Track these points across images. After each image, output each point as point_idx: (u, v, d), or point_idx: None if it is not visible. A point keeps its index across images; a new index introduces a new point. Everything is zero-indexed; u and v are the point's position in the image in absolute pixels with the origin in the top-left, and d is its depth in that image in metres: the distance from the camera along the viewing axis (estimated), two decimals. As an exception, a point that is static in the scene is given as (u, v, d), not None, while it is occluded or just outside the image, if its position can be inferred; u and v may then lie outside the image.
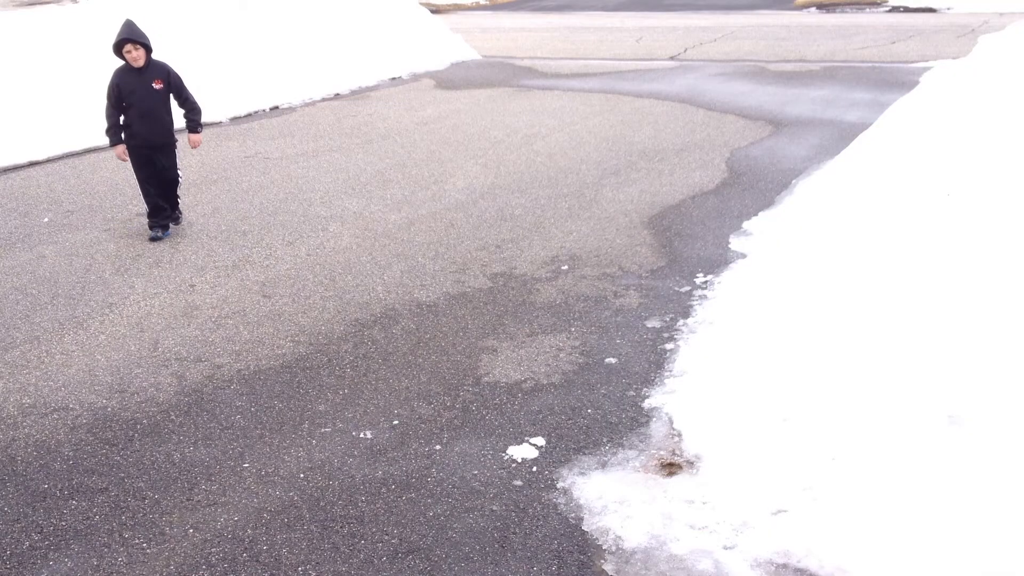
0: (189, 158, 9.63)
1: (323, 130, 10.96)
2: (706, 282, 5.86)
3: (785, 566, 3.22)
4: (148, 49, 6.72)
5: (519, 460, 3.97)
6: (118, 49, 6.64)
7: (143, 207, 8.00)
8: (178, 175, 7.22)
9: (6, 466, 4.04)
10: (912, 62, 14.87)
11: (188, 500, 3.76)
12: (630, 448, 4.03)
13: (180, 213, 7.32)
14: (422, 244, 6.74)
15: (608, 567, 3.29)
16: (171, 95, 6.96)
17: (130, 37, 6.58)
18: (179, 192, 7.29)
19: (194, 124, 7.08)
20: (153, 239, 6.93)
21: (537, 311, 5.53)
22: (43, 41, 11.69)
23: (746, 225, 6.93)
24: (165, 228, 7.07)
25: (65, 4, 14.36)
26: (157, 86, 6.81)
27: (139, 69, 6.73)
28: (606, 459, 3.95)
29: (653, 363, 4.82)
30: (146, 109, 6.81)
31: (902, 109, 10.51)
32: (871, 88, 12.62)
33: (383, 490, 3.79)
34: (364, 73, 14.44)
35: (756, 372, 4.51)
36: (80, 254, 6.72)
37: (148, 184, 7.01)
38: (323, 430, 4.26)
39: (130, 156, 6.95)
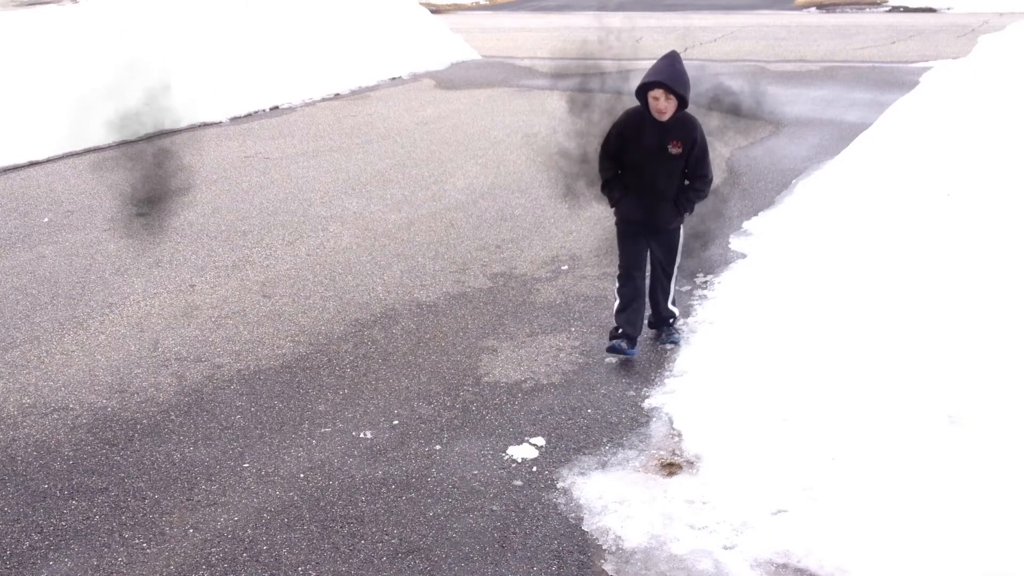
0: (189, 158, 9.64)
1: (323, 130, 10.95)
2: (706, 282, 5.86)
3: (785, 566, 3.22)
4: (683, 102, 4.58)
5: (519, 460, 3.97)
6: (642, 91, 4.60)
7: (143, 206, 8.02)
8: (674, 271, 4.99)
9: (6, 466, 4.04)
10: (912, 62, 14.87)
11: (188, 500, 3.76)
12: (630, 448, 4.03)
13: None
14: (422, 244, 6.74)
15: (608, 567, 3.29)
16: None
17: (664, 82, 4.49)
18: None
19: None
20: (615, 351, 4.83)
21: (537, 311, 5.53)
22: (43, 41, 11.68)
23: (746, 225, 6.93)
24: (633, 342, 4.85)
25: (65, 4, 14.36)
26: (673, 149, 4.62)
27: (659, 123, 4.61)
28: (606, 459, 3.95)
29: (653, 363, 4.82)
30: (652, 169, 4.67)
31: (902, 109, 10.50)
32: (871, 88, 12.62)
33: (383, 490, 3.79)
34: (364, 73, 14.43)
35: (756, 372, 4.51)
36: (80, 254, 6.72)
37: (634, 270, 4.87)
38: (323, 430, 4.26)
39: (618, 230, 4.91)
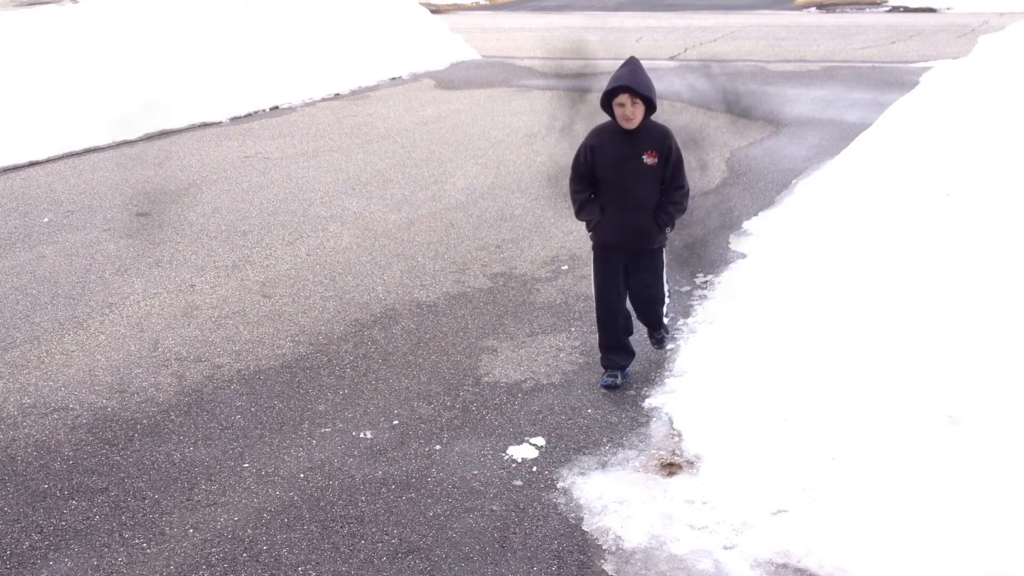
0: (189, 158, 9.65)
1: (323, 130, 10.96)
2: (706, 282, 5.86)
3: (785, 566, 3.22)
4: (650, 105, 4.31)
5: (519, 460, 3.97)
6: (607, 99, 4.33)
7: (143, 206, 8.04)
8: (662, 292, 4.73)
9: (6, 466, 4.04)
10: (912, 62, 14.86)
11: (188, 500, 3.76)
12: (630, 448, 4.03)
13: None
14: (422, 244, 6.74)
15: (608, 567, 3.29)
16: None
17: (629, 85, 4.21)
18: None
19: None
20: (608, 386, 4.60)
21: (537, 311, 5.53)
22: (43, 41, 11.68)
23: (746, 225, 6.93)
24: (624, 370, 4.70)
25: (65, 4, 14.36)
26: (648, 159, 4.36)
27: (629, 132, 4.34)
28: (606, 459, 3.96)
29: (653, 363, 4.82)
30: (627, 181, 4.40)
31: (902, 109, 10.50)
32: (871, 88, 12.62)
33: (383, 490, 3.79)
34: (364, 73, 14.44)
35: (756, 372, 4.51)
36: (80, 254, 6.72)
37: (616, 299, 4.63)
38: (323, 430, 4.26)
39: (595, 255, 4.66)
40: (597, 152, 4.41)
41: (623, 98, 4.26)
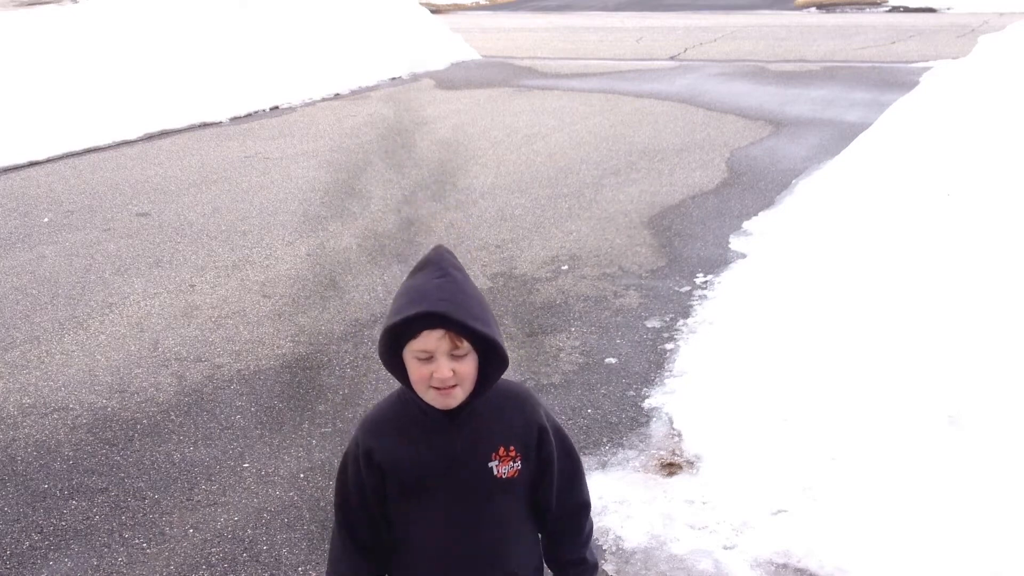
0: (189, 158, 9.65)
1: (323, 130, 10.95)
2: (706, 282, 5.86)
3: (785, 566, 3.22)
4: (487, 347, 1.86)
5: (519, 460, 3.97)
6: (395, 339, 1.87)
7: (143, 206, 8.04)
8: None
9: (6, 466, 4.04)
10: (912, 62, 14.86)
11: (188, 500, 3.76)
12: (630, 448, 4.03)
13: None
14: (422, 244, 6.73)
15: (608, 567, 3.28)
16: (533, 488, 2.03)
17: (436, 310, 1.80)
18: None
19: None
20: None
21: (537, 311, 5.53)
22: (43, 41, 11.69)
23: (746, 225, 6.93)
24: None
25: (65, 4, 14.37)
26: (501, 467, 1.93)
27: (449, 414, 1.92)
28: (606, 459, 3.95)
29: (653, 363, 4.82)
30: (458, 516, 1.97)
31: (902, 109, 10.51)
32: (871, 88, 12.62)
33: (383, 490, 3.79)
34: (364, 73, 14.44)
35: (756, 372, 4.51)
36: (80, 254, 6.72)
37: None
38: (323, 430, 4.26)
39: None
40: (383, 470, 2.07)
41: (430, 339, 1.85)
